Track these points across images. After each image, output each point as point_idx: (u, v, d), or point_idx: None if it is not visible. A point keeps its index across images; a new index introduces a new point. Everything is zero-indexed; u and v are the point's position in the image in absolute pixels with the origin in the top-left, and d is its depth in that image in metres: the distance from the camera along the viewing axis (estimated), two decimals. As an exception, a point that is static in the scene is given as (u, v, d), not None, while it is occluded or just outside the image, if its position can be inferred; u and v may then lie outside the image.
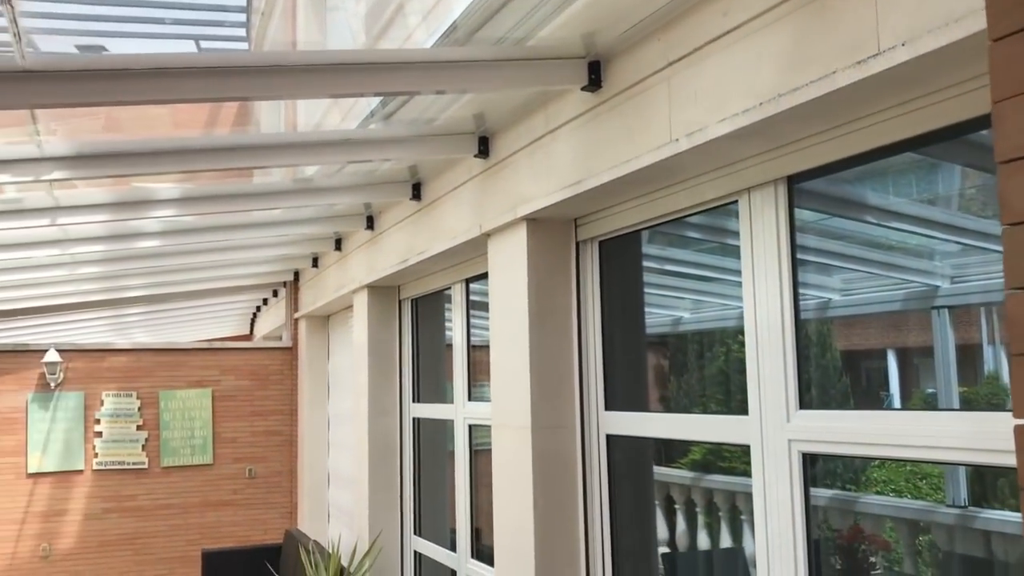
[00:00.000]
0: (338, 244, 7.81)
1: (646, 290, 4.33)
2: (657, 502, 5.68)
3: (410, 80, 3.55)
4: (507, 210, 4.33)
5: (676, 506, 5.83)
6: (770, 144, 2.93)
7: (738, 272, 3.25)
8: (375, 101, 4.50)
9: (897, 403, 4.22)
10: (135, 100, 3.26)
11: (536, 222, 4.19)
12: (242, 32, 12.16)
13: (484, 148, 4.62)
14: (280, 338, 10.42)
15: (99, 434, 9.19)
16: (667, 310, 4.83)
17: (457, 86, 3.73)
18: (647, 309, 4.37)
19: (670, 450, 5.21)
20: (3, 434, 8.91)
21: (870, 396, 4.46)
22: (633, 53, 3.33)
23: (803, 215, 3.12)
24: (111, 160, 4.22)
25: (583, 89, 3.59)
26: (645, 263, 4.27)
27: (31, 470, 8.93)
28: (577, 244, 4.24)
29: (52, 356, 9.01)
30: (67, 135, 4.65)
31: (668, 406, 4.61)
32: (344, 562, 6.68)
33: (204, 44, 11.15)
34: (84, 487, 9.10)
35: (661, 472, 5.45)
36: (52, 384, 9.07)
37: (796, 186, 3.03)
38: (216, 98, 3.48)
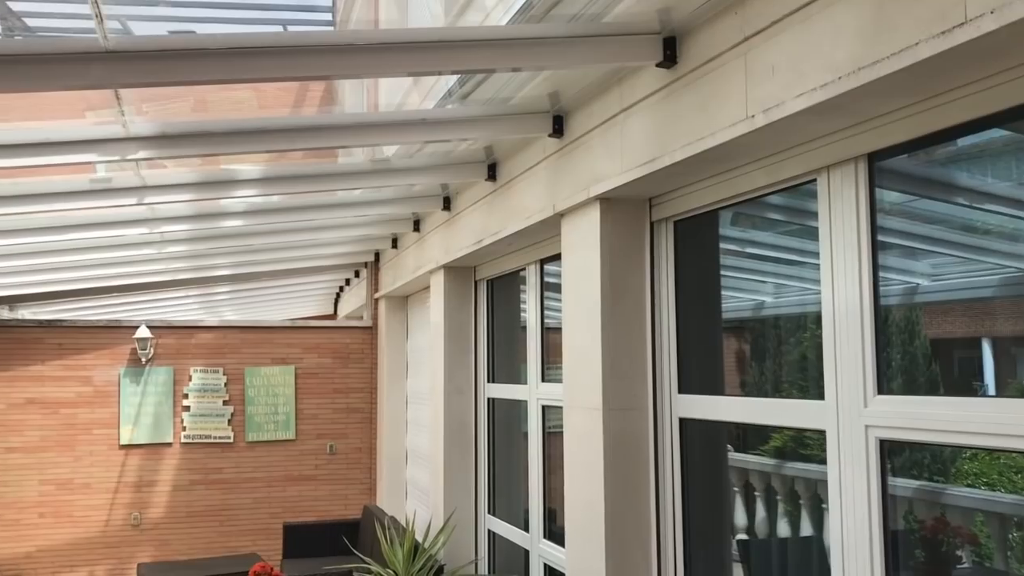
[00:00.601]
0: (416, 225, 7.87)
1: (722, 272, 4.25)
2: (736, 488, 5.60)
3: (486, 58, 3.54)
4: (580, 189, 4.29)
5: (756, 493, 5.74)
6: (849, 120, 2.83)
7: (817, 255, 3.16)
8: (452, 81, 4.51)
9: (992, 393, 4.06)
10: (215, 79, 3.32)
11: (610, 202, 4.14)
12: (328, 16, 12.39)
13: (559, 127, 4.59)
14: (361, 318, 10.59)
15: (187, 408, 9.48)
16: (744, 293, 4.74)
17: (533, 63, 3.70)
18: (723, 291, 4.29)
19: (750, 436, 5.12)
20: (98, 407, 9.26)
21: (962, 386, 4.30)
22: (708, 28, 3.25)
23: (890, 196, 3.01)
24: (193, 140, 4.32)
25: (658, 66, 3.52)
26: (721, 244, 4.19)
27: (123, 442, 9.26)
28: (651, 224, 4.18)
29: (143, 332, 9.31)
30: (156, 116, 4.78)
31: (744, 390, 4.53)
32: (419, 538, 6.76)
33: (291, 29, 11.38)
34: (172, 459, 9.41)
35: (740, 459, 5.37)
36: (143, 359, 9.37)
37: (878, 165, 2.92)
38: (295, 76, 3.52)
